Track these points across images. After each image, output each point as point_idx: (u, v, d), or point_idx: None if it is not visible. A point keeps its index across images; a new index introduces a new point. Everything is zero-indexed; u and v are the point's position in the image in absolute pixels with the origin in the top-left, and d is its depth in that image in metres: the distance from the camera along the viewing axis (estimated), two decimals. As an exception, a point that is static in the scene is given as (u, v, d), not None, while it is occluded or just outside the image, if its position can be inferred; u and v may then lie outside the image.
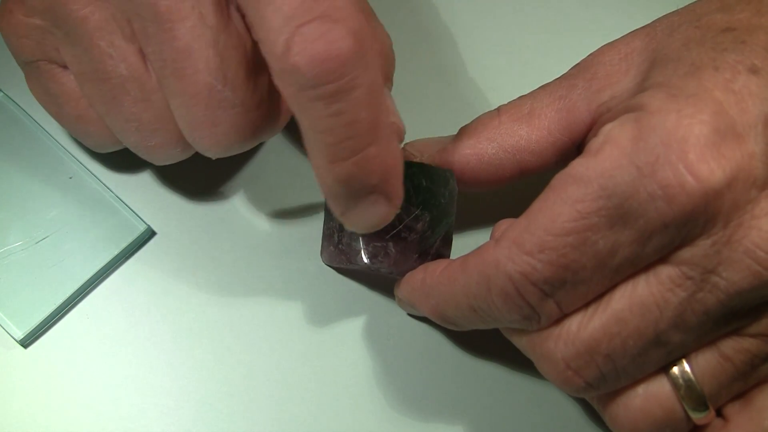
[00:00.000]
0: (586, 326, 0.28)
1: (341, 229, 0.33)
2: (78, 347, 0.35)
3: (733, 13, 0.29)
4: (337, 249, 0.33)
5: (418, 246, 0.32)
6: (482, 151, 0.33)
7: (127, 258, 0.36)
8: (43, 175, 0.36)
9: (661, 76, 0.28)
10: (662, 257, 0.27)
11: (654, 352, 0.28)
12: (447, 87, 0.39)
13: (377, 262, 0.32)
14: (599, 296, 0.28)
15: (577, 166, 0.27)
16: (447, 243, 0.33)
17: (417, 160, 0.34)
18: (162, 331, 0.35)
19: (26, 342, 0.34)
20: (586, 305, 0.28)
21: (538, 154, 0.32)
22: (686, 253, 0.27)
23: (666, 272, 0.27)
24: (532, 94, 0.33)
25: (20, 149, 0.37)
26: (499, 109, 0.33)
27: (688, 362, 0.29)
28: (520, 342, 0.31)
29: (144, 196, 0.37)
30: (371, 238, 0.32)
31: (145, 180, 0.37)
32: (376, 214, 0.29)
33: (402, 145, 0.34)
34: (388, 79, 0.34)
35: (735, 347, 0.28)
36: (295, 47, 0.25)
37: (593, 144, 0.27)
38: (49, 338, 0.35)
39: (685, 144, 0.26)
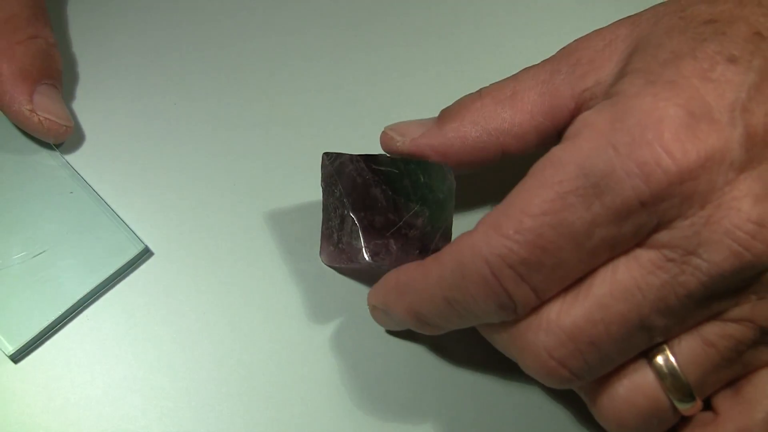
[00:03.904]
0: (567, 313, 0.28)
1: (341, 228, 0.33)
2: (69, 364, 0.34)
3: (717, 4, 0.29)
4: (337, 249, 0.33)
5: (419, 242, 0.33)
6: (466, 134, 0.33)
7: (124, 276, 0.36)
8: (43, 190, 0.37)
9: (641, 62, 0.29)
10: (640, 242, 0.27)
11: (638, 337, 0.28)
12: (435, 79, 0.40)
13: (379, 260, 0.32)
14: (577, 282, 0.28)
15: (555, 150, 0.28)
16: (447, 238, 0.33)
17: (399, 144, 0.34)
18: (159, 336, 0.35)
19: (17, 357, 0.34)
20: (564, 292, 0.28)
21: (521, 138, 0.32)
22: (665, 235, 0.27)
23: (646, 256, 0.27)
24: (515, 77, 0.33)
25: (21, 163, 0.37)
26: (480, 92, 0.33)
27: (671, 351, 0.28)
28: (500, 339, 0.30)
29: (144, 210, 0.37)
30: (372, 236, 0.32)
31: (144, 195, 0.38)
32: None
33: (383, 129, 0.35)
34: (47, 76, 0.36)
35: (719, 333, 0.28)
36: None
37: (571, 130, 0.28)
38: (40, 354, 0.34)
39: (661, 124, 0.26)
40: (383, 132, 0.35)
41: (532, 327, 0.28)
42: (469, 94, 0.34)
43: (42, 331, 0.34)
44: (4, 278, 0.35)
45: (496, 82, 0.33)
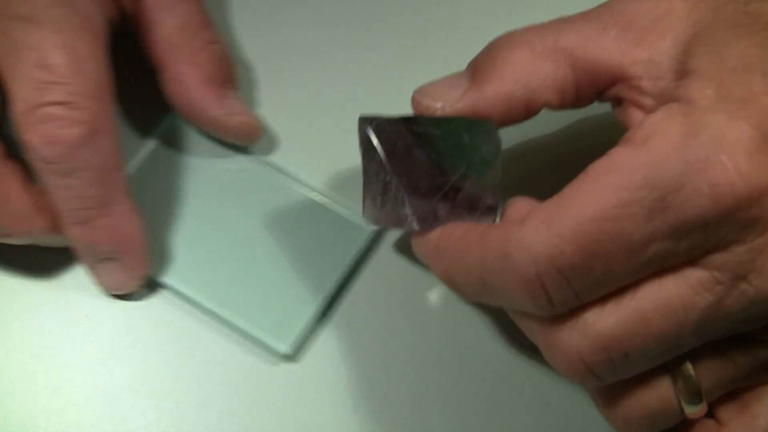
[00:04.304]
0: (606, 320, 0.27)
1: (384, 193, 0.31)
2: (69, 365, 0.34)
3: None
4: (382, 212, 0.32)
5: (467, 203, 0.31)
6: (509, 95, 0.31)
7: (363, 262, 0.36)
8: (255, 193, 0.36)
9: (707, 61, 0.27)
10: (692, 260, 0.27)
11: (669, 353, 0.28)
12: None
13: (427, 226, 0.31)
14: (619, 290, 0.27)
15: (622, 153, 0.26)
16: (495, 195, 0.32)
17: (439, 111, 0.31)
18: (160, 336, 0.35)
19: (291, 356, 0.34)
20: (605, 298, 0.27)
21: (561, 93, 0.30)
22: (719, 258, 0.26)
23: (696, 275, 0.27)
24: (556, 28, 0.31)
25: (225, 171, 0.37)
26: (513, 40, 0.31)
27: (693, 361, 0.28)
28: (528, 326, 0.29)
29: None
30: (418, 202, 0.31)
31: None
32: (115, 279, 0.33)
33: (412, 95, 0.32)
34: (229, 80, 0.36)
35: (740, 349, 0.28)
36: (29, 125, 0.30)
37: (637, 134, 0.27)
38: (41, 355, 0.34)
39: (737, 145, 0.25)
40: (414, 99, 0.32)
41: (566, 326, 0.28)
42: (500, 42, 0.31)
43: (306, 326, 0.34)
44: (254, 284, 0.35)
45: (532, 28, 0.31)
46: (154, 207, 0.36)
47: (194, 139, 0.37)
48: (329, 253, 0.35)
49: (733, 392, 0.30)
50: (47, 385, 0.34)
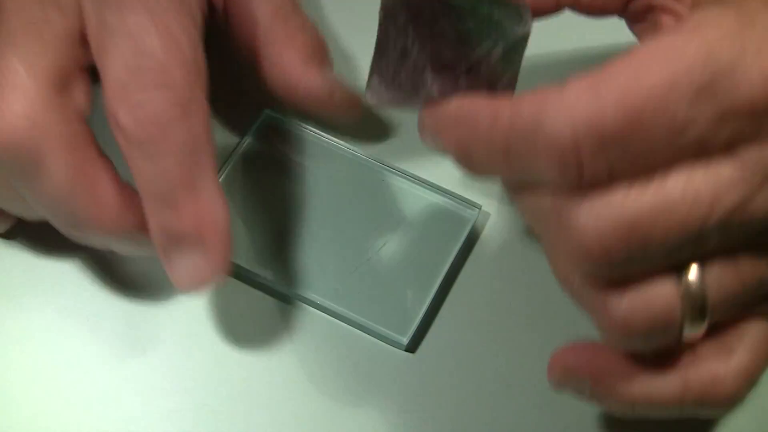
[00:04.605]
0: (632, 202, 0.26)
1: (401, 62, 0.31)
2: (70, 364, 0.34)
3: None
4: (394, 84, 0.31)
5: (486, 83, 0.30)
6: None
7: (468, 251, 0.36)
8: (355, 185, 0.37)
9: None
10: (728, 151, 0.26)
11: (686, 249, 0.26)
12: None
13: (447, 94, 0.30)
14: (648, 175, 0.26)
15: (673, 35, 0.26)
16: (512, 85, 0.31)
17: None
18: (160, 336, 0.35)
19: (411, 347, 0.35)
20: (632, 180, 0.26)
21: None
22: (754, 152, 0.26)
23: (729, 170, 0.26)
24: None
25: (323, 164, 0.38)
26: None
27: (703, 269, 0.27)
28: (537, 204, 0.28)
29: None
30: (439, 71, 0.30)
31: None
32: (194, 268, 0.32)
33: None
34: (326, 60, 0.37)
35: (752, 269, 0.27)
36: (122, 106, 0.30)
37: (689, 23, 0.26)
38: (40, 354, 0.34)
39: None
40: None
41: (589, 202, 0.26)
42: None
43: (423, 317, 0.35)
44: (366, 279, 0.35)
45: None
46: (255, 206, 0.36)
47: (291, 136, 0.38)
48: (436, 243, 0.36)
49: (717, 332, 0.29)
50: (47, 385, 0.34)
